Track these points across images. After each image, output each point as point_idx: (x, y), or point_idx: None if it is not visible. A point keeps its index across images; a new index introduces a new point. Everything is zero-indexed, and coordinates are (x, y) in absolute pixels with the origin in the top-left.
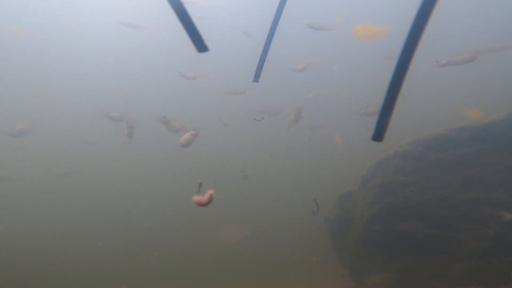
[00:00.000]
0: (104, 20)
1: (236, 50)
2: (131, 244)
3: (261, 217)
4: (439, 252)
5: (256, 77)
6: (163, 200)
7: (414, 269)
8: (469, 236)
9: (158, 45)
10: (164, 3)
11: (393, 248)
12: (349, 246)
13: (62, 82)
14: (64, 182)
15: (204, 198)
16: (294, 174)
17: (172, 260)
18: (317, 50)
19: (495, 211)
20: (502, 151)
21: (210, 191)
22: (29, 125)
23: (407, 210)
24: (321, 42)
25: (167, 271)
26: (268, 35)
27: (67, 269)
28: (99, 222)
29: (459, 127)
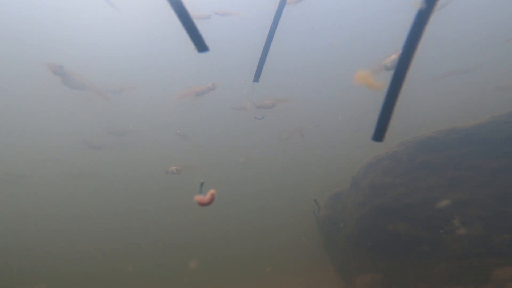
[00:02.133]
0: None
1: (236, 50)
2: (126, 243)
3: (251, 218)
4: (425, 252)
5: (256, 77)
6: (161, 199)
7: (401, 269)
8: (453, 237)
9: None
10: (164, 3)
11: (382, 248)
12: (339, 246)
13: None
14: (77, 182)
15: (206, 197)
16: (285, 175)
17: (168, 260)
18: (316, 50)
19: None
20: (486, 154)
21: (212, 191)
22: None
23: (396, 211)
24: (321, 42)
25: (163, 270)
26: (268, 35)
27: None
28: (100, 220)
29: (447, 129)
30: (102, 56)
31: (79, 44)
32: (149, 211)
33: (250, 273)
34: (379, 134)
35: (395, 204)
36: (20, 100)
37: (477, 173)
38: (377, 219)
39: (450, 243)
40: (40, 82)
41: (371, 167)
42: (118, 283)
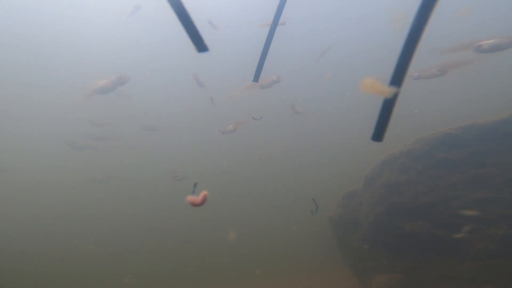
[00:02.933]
0: (105, 19)
1: (236, 50)
2: (133, 244)
3: (266, 216)
4: (446, 252)
5: (256, 77)
6: (164, 200)
7: (420, 270)
8: (478, 236)
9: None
10: (164, 3)
11: (399, 248)
12: (354, 246)
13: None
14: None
15: (198, 198)
16: (299, 173)
17: (176, 260)
18: (316, 50)
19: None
20: (510, 150)
21: (204, 192)
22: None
23: (414, 210)
24: (321, 42)
25: (169, 270)
26: (268, 35)
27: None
28: (107, 222)
29: (467, 125)
30: (100, 58)
31: (77, 46)
32: (151, 213)
33: (262, 273)
34: (379, 134)
35: (412, 203)
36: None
37: (502, 170)
38: (394, 218)
39: (475, 243)
40: (32, 85)
41: (386, 166)
42: (119, 283)
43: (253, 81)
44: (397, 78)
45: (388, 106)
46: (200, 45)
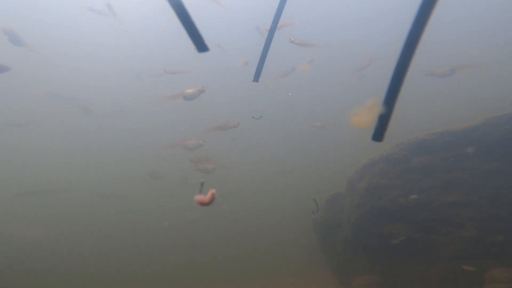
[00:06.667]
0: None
1: (236, 50)
2: (125, 244)
3: (247, 219)
4: (421, 254)
5: (256, 77)
6: (157, 200)
7: (397, 271)
8: (449, 238)
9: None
10: (164, 3)
11: (379, 250)
12: (336, 248)
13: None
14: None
15: (206, 197)
16: (281, 177)
17: (163, 261)
18: (316, 50)
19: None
20: (480, 156)
21: (212, 191)
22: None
23: (392, 213)
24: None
25: (158, 271)
26: (268, 35)
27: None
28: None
29: (441, 131)
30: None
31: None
32: (148, 212)
33: (243, 276)
34: (379, 134)
35: (391, 206)
36: None
37: (472, 175)
38: (374, 221)
39: (445, 245)
40: None
41: (367, 170)
42: (117, 285)
43: (253, 81)
44: (399, 75)
45: (388, 105)
46: (200, 45)
